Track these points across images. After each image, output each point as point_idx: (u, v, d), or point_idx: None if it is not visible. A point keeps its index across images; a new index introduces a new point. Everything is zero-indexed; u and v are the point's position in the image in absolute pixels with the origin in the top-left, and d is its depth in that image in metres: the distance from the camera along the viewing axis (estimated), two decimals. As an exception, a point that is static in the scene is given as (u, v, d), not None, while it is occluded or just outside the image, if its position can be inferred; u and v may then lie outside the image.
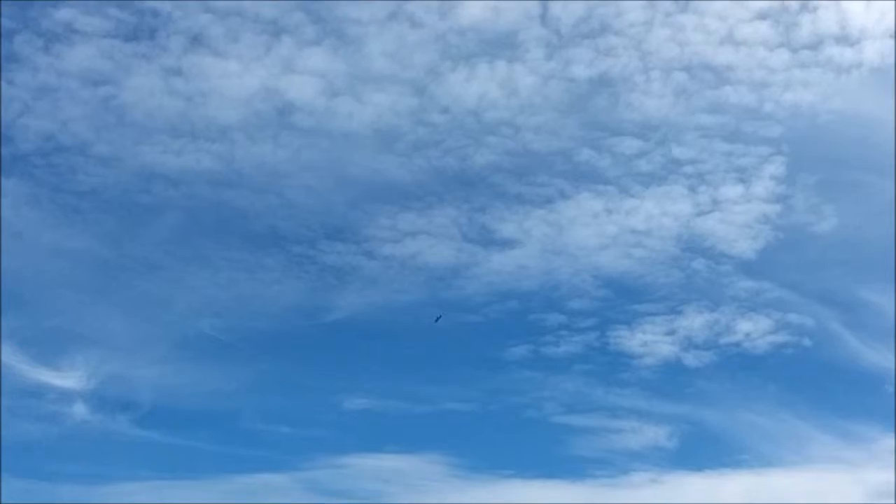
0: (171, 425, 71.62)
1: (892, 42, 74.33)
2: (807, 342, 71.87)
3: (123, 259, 74.90)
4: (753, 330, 72.20)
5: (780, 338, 71.92)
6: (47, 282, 73.39)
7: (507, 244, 74.98)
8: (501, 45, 76.63)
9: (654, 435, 70.08)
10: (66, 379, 69.87)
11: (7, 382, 69.91)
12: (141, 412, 71.03)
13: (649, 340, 72.54)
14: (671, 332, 72.61)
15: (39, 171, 72.90)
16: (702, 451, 69.92)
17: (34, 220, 72.54)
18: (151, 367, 72.98)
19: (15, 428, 70.16)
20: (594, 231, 75.63)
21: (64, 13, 73.54)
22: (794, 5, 75.97)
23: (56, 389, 69.73)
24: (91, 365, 70.99)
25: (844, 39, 75.55)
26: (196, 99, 75.16)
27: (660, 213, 75.28)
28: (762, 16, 76.01)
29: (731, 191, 75.21)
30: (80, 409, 69.83)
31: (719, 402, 71.60)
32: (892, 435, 65.06)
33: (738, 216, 74.81)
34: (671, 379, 71.77)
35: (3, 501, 58.52)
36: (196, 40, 74.80)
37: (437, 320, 71.10)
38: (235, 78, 75.18)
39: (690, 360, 71.81)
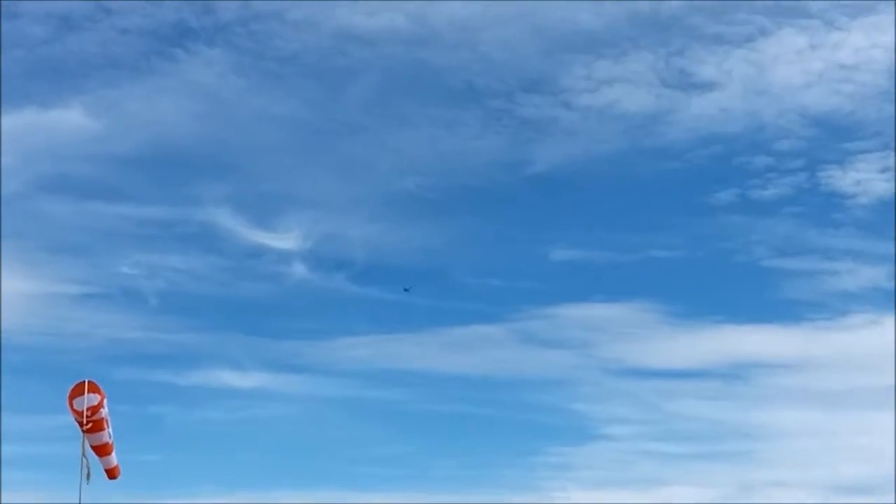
0: (385, 281, 74.09)
1: None
2: None
3: (326, 122, 76.61)
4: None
5: None
6: (257, 147, 75.88)
7: (708, 87, 72.93)
8: None
9: (871, 276, 68.46)
10: (284, 240, 72.81)
11: (228, 245, 73.41)
12: (356, 270, 73.59)
13: (863, 179, 70.14)
14: (885, 170, 69.95)
15: (240, 39, 74.44)
16: (924, 289, 68.00)
17: (239, 87, 74.57)
18: (363, 225, 75.21)
19: (239, 288, 73.94)
20: (799, 68, 72.49)
21: None
22: None
23: (274, 251, 72.85)
24: (305, 226, 73.62)
25: None
26: (385, -41, 74.95)
27: (868, 45, 71.36)
28: None
29: (946, 16, 70.68)
30: (298, 269, 72.89)
31: (940, 240, 69.14)
32: None
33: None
34: (887, 217, 69.44)
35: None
36: None
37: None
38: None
39: (907, 196, 69.31)
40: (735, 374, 67.54)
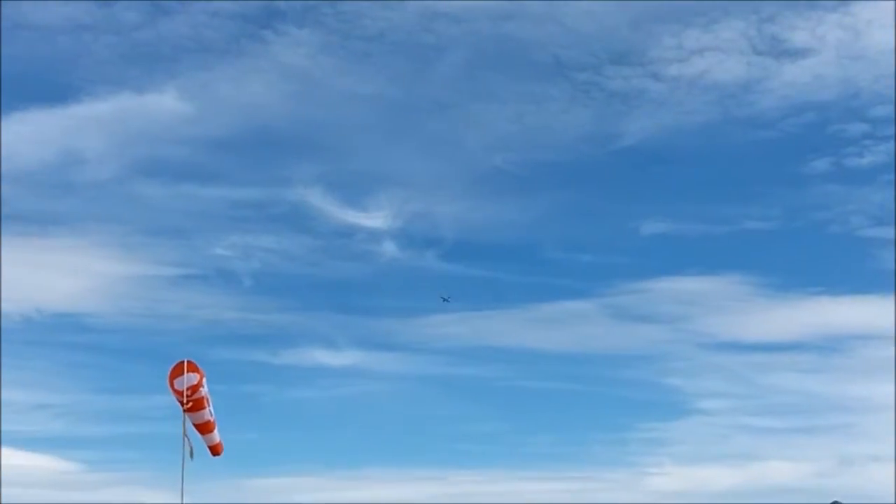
0: (474, 258, 74.28)
1: None
2: None
3: (414, 100, 76.94)
4: None
5: None
6: (346, 127, 76.63)
7: (801, 53, 71.40)
8: None
9: (977, 243, 66.40)
10: (374, 219, 73.53)
11: (319, 225, 74.30)
12: (445, 247, 73.95)
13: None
14: None
15: (328, 19, 75.09)
16: None
17: (328, 67, 75.32)
18: (451, 203, 75.45)
19: (331, 268, 74.88)
20: (894, 32, 70.41)
21: None
22: None
23: (365, 230, 73.61)
24: (395, 205, 74.14)
25: None
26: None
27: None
28: None
29: None
30: (388, 248, 73.56)
31: None
32: None
33: None
34: None
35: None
36: None
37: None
38: None
39: None
40: (832, 346, 66.31)
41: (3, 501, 49.19)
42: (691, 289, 69.58)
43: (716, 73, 72.41)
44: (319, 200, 72.96)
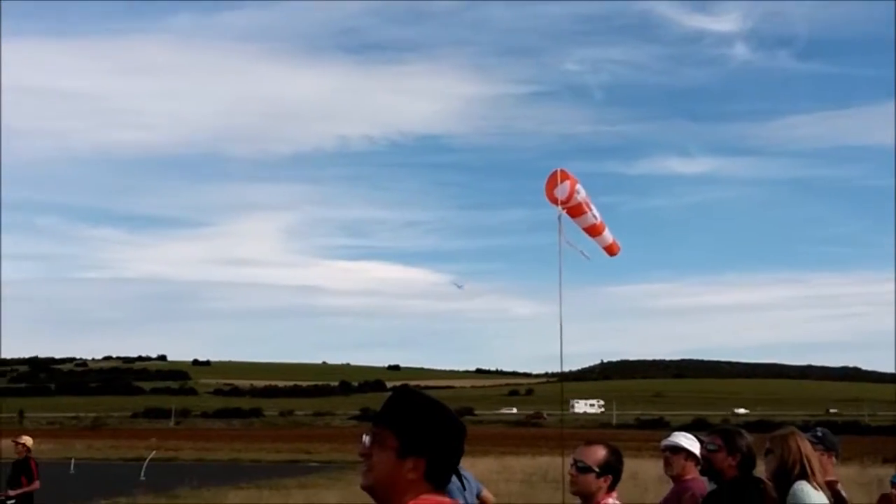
0: (830, 56, 68.97)
1: None
2: None
3: None
4: None
5: None
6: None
7: None
8: None
9: None
10: (723, 22, 70.24)
11: (667, 33, 72.29)
12: (798, 46, 69.14)
13: None
14: None
15: None
16: None
17: None
18: None
19: (681, 75, 72.89)
20: None
21: None
22: None
23: (714, 34, 70.65)
24: (744, 5, 70.16)
25: None
26: None
27: None
28: None
29: None
30: (739, 50, 70.14)
31: None
32: None
33: None
34: None
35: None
36: None
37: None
38: None
39: None
40: None
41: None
42: None
43: None
44: (666, 8, 70.94)
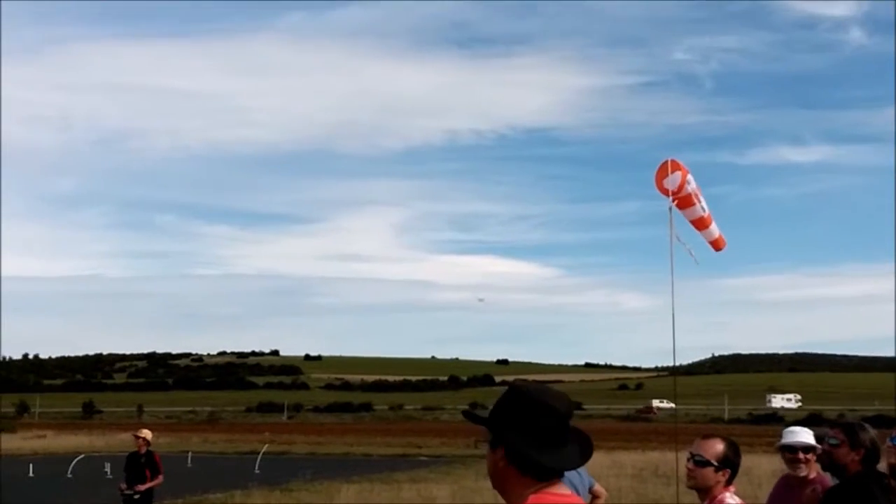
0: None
1: None
2: None
3: None
4: None
5: None
6: None
7: None
8: None
9: None
10: (837, 7, 68.12)
11: (779, 19, 70.64)
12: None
13: None
14: None
15: None
16: None
17: None
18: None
19: (793, 62, 71.24)
20: None
21: None
22: None
23: (828, 19, 68.83)
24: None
25: None
26: None
27: None
28: None
29: None
30: (854, 35, 68.14)
31: None
32: None
33: None
34: None
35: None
36: None
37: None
38: None
39: None
40: None
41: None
42: None
43: None
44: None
